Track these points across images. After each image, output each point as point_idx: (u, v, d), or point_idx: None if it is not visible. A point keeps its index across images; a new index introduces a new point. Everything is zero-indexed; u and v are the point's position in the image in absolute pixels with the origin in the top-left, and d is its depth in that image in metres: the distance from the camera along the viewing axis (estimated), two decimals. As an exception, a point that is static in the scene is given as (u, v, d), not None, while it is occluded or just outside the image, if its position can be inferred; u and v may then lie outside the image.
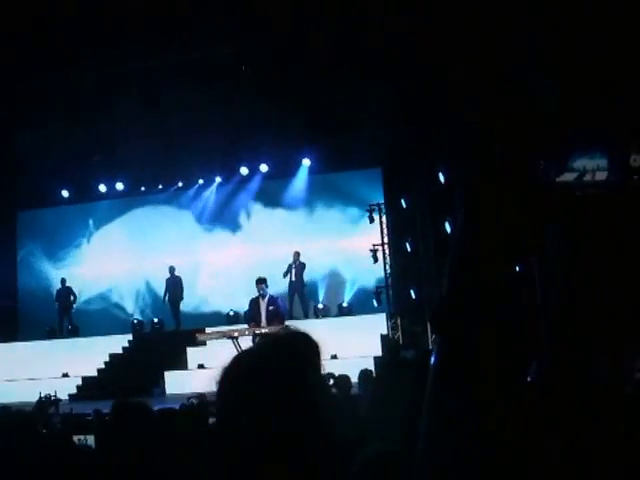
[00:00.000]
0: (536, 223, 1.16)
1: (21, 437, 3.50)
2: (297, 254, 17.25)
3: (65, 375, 16.24)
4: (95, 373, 16.38)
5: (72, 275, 19.67)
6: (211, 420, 5.29)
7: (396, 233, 16.91)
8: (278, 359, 1.56)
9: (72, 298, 18.98)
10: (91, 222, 20.05)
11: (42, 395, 11.56)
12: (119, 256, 19.93)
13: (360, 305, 17.34)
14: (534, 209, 1.16)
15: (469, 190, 1.19)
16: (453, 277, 1.18)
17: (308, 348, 1.58)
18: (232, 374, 1.61)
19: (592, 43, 8.99)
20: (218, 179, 19.13)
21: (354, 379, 8.43)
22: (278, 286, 16.40)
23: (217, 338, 12.90)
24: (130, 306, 19.45)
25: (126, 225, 19.98)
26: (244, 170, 18.48)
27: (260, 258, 18.08)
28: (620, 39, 8.69)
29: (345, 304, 17.68)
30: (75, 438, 5.91)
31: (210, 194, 19.40)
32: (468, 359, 1.13)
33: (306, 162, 18.23)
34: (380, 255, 16.84)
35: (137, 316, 18.90)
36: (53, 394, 11.81)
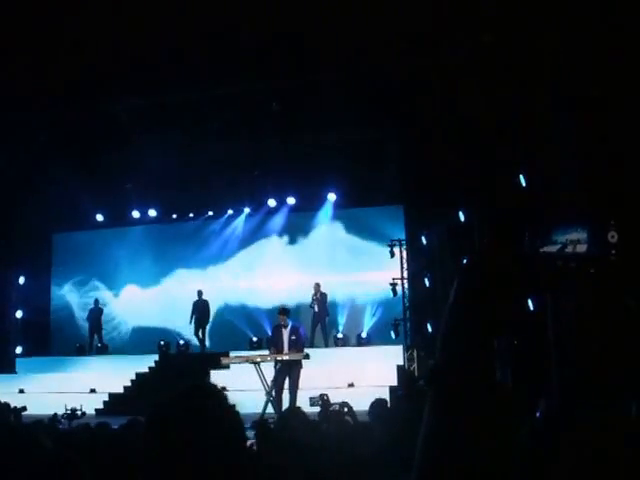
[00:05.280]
0: (521, 291, 1.23)
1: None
2: (317, 285, 17.75)
3: (92, 391, 16.63)
4: (122, 390, 16.77)
5: (103, 296, 20.35)
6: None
7: (415, 268, 17.22)
8: (176, 421, 1.69)
9: (102, 318, 19.61)
10: (123, 246, 20.57)
11: (68, 408, 11.84)
12: (149, 279, 20.62)
13: (378, 336, 17.74)
14: (520, 280, 1.22)
15: (465, 264, 1.29)
16: (444, 346, 1.25)
17: (206, 403, 1.71)
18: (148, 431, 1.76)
19: (573, 131, 9.43)
20: (247, 210, 19.77)
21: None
22: (301, 315, 16.92)
23: (240, 362, 13.27)
24: (157, 328, 19.94)
25: (157, 250, 20.55)
26: (272, 202, 19.11)
27: (284, 287, 18.69)
28: (598, 128, 9.12)
29: (364, 334, 18.10)
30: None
31: (238, 224, 20.03)
32: (458, 416, 1.19)
33: (331, 197, 18.78)
34: (399, 289, 17.19)
35: (164, 337, 19.39)
36: (79, 408, 12.16)
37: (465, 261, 1.29)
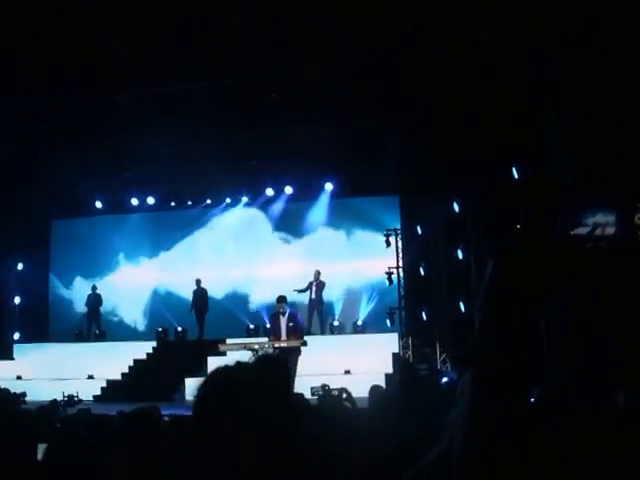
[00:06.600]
0: (555, 272, 1.26)
1: None
2: (318, 272, 17.87)
3: (90, 377, 16.72)
4: (119, 377, 16.85)
5: (101, 282, 20.41)
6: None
7: (411, 257, 17.35)
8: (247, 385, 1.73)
9: (100, 304, 19.70)
10: (122, 233, 20.64)
11: (65, 395, 11.92)
12: (147, 266, 20.74)
13: (373, 324, 17.85)
14: (553, 259, 1.26)
15: (500, 242, 1.34)
16: (485, 320, 1.32)
17: (270, 373, 1.84)
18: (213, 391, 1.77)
19: (602, 116, 9.52)
20: (245, 199, 19.91)
21: (365, 394, 8.82)
22: (297, 304, 17.00)
23: (237, 349, 13.32)
24: (156, 314, 20.06)
25: (155, 237, 20.68)
26: (269, 191, 19.28)
27: (280, 275, 18.75)
28: (625, 113, 9.22)
29: (359, 322, 18.23)
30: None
31: (236, 212, 20.16)
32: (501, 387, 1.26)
33: (328, 186, 18.93)
34: (395, 277, 17.31)
35: (162, 324, 19.49)
36: (76, 395, 12.24)
37: (500, 246, 1.33)
